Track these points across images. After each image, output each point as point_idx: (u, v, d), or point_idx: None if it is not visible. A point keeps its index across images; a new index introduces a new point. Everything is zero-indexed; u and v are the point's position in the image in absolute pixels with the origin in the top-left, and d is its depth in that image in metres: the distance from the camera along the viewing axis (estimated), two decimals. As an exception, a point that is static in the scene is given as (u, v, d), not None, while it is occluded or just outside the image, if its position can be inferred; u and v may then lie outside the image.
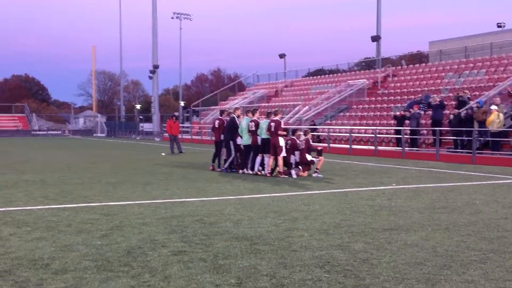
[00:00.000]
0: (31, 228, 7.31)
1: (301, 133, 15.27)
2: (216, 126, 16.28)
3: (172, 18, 70.20)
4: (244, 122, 15.19)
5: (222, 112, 17.01)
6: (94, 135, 65.81)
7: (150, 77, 61.44)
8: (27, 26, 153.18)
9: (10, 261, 5.57)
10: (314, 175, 14.41)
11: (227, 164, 15.59)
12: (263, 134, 14.69)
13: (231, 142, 15.47)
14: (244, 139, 15.23)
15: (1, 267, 5.36)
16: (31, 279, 4.95)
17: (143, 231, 7.11)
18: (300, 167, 14.72)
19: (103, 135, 64.37)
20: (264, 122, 14.73)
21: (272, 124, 14.40)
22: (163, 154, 24.73)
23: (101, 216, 8.23)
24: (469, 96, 23.21)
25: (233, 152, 15.51)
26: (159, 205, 9.30)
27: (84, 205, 9.33)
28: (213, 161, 16.34)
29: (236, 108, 16.85)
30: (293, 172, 14.51)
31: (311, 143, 15.05)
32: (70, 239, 6.59)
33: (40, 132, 63.89)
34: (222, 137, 15.88)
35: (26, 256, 5.79)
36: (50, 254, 5.88)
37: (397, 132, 23.90)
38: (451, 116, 21.81)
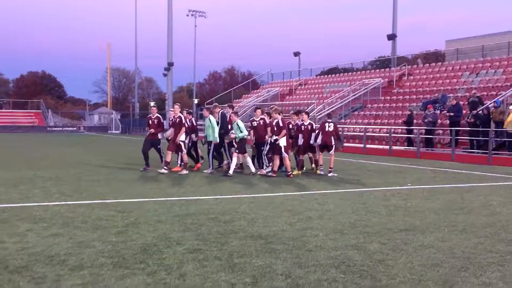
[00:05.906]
0: (47, 224, 7.37)
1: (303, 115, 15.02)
2: (256, 125, 14.92)
3: (187, 15, 70.33)
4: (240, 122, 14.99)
5: (258, 110, 15.50)
6: (109, 131, 66.25)
7: (165, 75, 61.76)
8: (44, 23, 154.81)
9: (27, 257, 5.61)
10: (329, 174, 14.35)
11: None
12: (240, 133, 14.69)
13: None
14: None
15: (18, 262, 5.41)
16: (48, 275, 4.99)
17: (158, 228, 7.13)
18: (270, 165, 14.61)
19: (118, 131, 64.78)
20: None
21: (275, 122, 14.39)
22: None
23: (117, 213, 8.28)
24: (478, 96, 22.99)
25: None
26: (174, 203, 9.33)
27: (99, 202, 9.39)
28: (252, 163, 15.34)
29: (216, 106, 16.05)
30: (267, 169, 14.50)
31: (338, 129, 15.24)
32: (86, 236, 6.64)
33: (56, 129, 64.56)
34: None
35: (43, 252, 5.84)
36: (66, 250, 5.92)
37: (411, 132, 23.75)
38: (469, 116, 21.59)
